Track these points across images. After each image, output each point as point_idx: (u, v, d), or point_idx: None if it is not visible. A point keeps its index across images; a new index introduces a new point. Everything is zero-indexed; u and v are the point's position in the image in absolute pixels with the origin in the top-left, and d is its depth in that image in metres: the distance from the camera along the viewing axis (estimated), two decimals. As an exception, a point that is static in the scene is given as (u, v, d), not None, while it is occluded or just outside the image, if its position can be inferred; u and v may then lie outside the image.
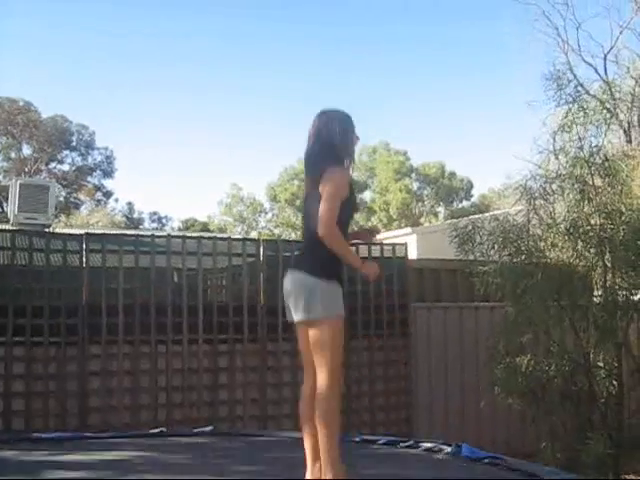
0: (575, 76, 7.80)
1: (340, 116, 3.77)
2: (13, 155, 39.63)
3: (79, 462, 4.47)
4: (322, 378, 3.48)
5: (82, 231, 8.30)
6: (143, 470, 4.13)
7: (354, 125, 3.81)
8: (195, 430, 5.97)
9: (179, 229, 36.29)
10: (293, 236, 35.77)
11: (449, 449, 4.99)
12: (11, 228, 9.80)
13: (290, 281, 3.63)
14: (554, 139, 7.71)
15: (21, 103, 38.20)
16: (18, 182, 13.37)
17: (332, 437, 3.46)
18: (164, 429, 6.11)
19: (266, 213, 39.32)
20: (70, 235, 7.77)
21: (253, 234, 35.30)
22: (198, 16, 50.91)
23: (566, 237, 7.18)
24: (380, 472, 4.35)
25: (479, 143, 50.88)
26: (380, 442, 5.42)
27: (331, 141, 3.67)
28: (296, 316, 3.58)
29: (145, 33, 51.77)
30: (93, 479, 3.73)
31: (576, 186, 7.19)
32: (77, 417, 7.00)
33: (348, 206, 3.60)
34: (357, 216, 38.42)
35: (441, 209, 39.18)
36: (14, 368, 6.84)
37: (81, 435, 5.80)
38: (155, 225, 40.86)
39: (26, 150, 39.78)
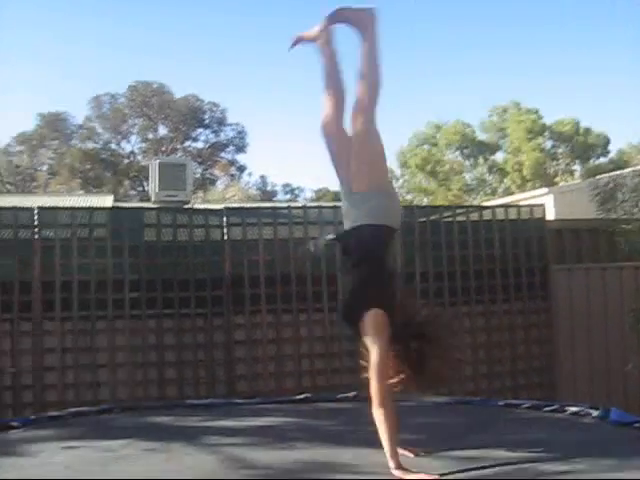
0: None
1: None
2: (150, 136, 41.19)
3: (230, 427, 4.66)
4: None
5: (220, 206, 8.59)
6: (292, 436, 4.26)
7: None
8: (339, 396, 6.09)
9: (312, 199, 36.75)
10: (425, 201, 35.57)
11: (596, 413, 4.88)
12: (154, 206, 10.26)
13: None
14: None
15: (155, 85, 39.61)
16: (157, 162, 13.96)
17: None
18: (309, 395, 6.27)
19: (397, 179, 39.16)
20: (210, 210, 8.06)
21: (384, 201, 35.15)
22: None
23: None
24: (526, 436, 4.31)
25: (614, 96, 48.72)
26: (524, 406, 5.37)
27: None
28: None
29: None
30: (245, 444, 3.88)
31: None
32: (225, 384, 7.31)
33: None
34: (489, 178, 37.77)
35: (577, 167, 37.84)
36: (166, 339, 7.21)
37: (231, 402, 6.03)
38: (288, 197, 41.54)
39: (162, 130, 41.30)
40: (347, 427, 4.66)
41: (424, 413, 5.15)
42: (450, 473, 3.28)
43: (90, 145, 39.82)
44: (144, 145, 41.26)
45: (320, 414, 5.25)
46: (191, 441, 3.96)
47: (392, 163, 37.94)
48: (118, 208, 11.96)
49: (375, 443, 3.32)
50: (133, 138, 41.19)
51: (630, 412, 5.00)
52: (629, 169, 13.50)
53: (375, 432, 3.27)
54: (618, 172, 11.14)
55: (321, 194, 38.26)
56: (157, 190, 13.55)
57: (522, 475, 3.24)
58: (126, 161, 40.26)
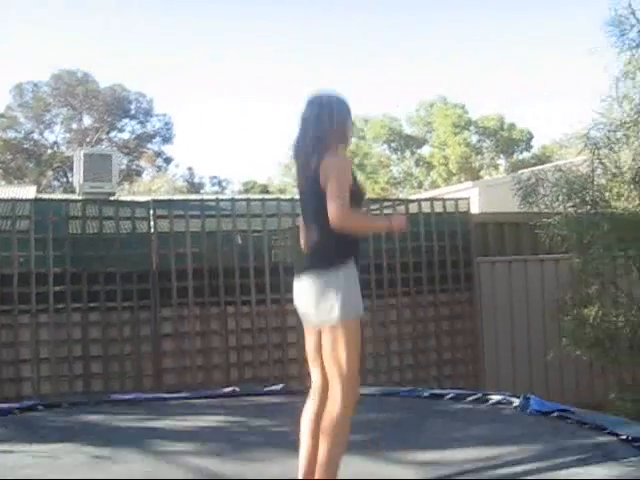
0: (638, 20, 7.55)
1: (333, 101, 3.41)
2: (75, 126, 40.36)
3: (158, 427, 4.60)
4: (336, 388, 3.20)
5: (147, 198, 8.49)
6: (220, 439, 4.25)
7: (349, 109, 3.46)
8: (266, 389, 6.12)
9: (239, 192, 36.62)
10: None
11: (517, 402, 5.02)
12: (79, 198, 10.07)
13: (300, 288, 3.34)
14: (617, 86, 7.52)
15: (80, 74, 38.79)
16: (82, 152, 13.65)
17: (334, 457, 3.14)
18: (236, 388, 6.28)
19: (325, 172, 39.26)
20: (137, 202, 7.96)
21: (313, 194, 35.33)
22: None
23: (632, 186, 7.07)
24: (448, 428, 4.41)
25: (538, 93, 49.85)
26: (448, 396, 5.49)
27: (323, 130, 3.30)
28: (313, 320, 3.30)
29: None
30: (172, 450, 3.86)
31: (641, 134, 7.04)
32: (152, 378, 7.25)
33: (353, 195, 3.22)
34: (416, 171, 38.25)
35: (501, 161, 38.67)
36: (91, 333, 7.11)
37: (158, 396, 5.99)
38: (216, 189, 41.29)
39: (87, 120, 40.51)
40: (276, 428, 4.65)
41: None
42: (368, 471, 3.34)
43: (12, 134, 38.79)
44: (68, 135, 40.42)
45: (249, 411, 5.25)
46: (118, 445, 3.92)
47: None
48: (42, 200, 11.70)
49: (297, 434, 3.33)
50: (57, 128, 40.33)
51: (551, 399, 5.17)
52: (550, 164, 13.86)
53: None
54: (541, 167, 11.41)
55: (249, 186, 38.15)
56: (82, 181, 13.25)
57: (441, 469, 3.32)
58: (49, 151, 39.35)
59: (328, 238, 3.24)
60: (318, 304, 3.20)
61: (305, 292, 3.29)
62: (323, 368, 3.29)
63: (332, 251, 3.25)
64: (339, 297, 3.17)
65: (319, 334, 3.28)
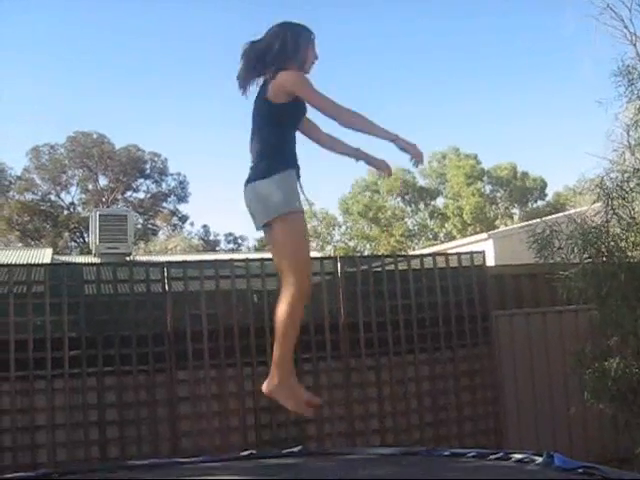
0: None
1: (295, 27, 3.83)
2: (90, 187, 40.83)
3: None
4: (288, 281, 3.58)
5: (162, 257, 8.52)
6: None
7: (309, 37, 3.88)
8: (284, 451, 6.01)
9: (255, 248, 36.69)
10: (368, 247, 35.85)
11: (541, 459, 4.90)
12: (94, 260, 10.11)
13: (246, 196, 3.77)
14: (628, 134, 7.52)
15: (95, 136, 39.40)
16: (97, 213, 13.86)
17: (285, 344, 3.69)
18: (254, 451, 6.16)
19: (340, 226, 39.45)
20: (151, 264, 7.98)
21: (328, 248, 35.48)
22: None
23: (648, 235, 7.02)
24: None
25: (550, 141, 50.08)
26: (470, 455, 5.36)
27: (281, 48, 3.73)
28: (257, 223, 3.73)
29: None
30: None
31: (654, 182, 7.02)
32: (169, 442, 7.16)
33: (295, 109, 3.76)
34: (431, 223, 38.29)
35: (516, 210, 38.69)
36: (106, 397, 7.05)
37: (175, 461, 5.89)
38: (231, 246, 41.40)
39: (102, 181, 41.01)
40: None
41: (370, 466, 5.11)
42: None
43: (29, 197, 39.31)
44: (84, 196, 40.89)
45: (266, 470, 5.15)
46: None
47: (335, 211, 38.34)
48: (57, 264, 11.75)
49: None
50: (73, 189, 40.84)
51: (574, 455, 5.04)
52: (564, 213, 13.82)
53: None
54: (554, 216, 11.37)
55: (264, 242, 38.19)
56: (97, 242, 13.41)
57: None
58: (66, 212, 39.76)
59: (265, 149, 3.70)
60: (256, 208, 3.66)
61: (248, 200, 3.73)
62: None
63: (269, 161, 3.67)
64: (271, 198, 3.58)
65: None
